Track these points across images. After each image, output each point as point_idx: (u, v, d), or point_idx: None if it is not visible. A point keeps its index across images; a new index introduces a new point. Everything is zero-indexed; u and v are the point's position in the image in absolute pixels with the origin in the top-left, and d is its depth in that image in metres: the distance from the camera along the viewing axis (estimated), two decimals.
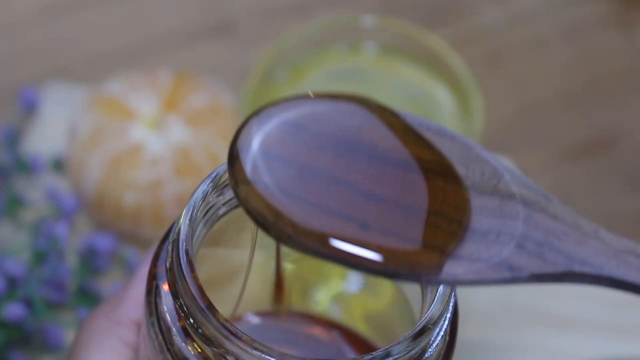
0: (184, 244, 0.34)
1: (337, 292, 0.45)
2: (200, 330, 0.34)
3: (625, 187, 0.72)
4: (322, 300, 0.45)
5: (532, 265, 0.33)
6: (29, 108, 0.68)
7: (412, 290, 0.39)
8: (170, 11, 0.77)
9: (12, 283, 0.59)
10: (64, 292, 0.60)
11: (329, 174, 0.33)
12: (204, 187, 0.36)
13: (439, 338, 0.35)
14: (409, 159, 0.34)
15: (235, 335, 0.33)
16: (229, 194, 0.37)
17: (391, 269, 0.32)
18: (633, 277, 0.33)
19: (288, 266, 0.40)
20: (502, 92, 0.75)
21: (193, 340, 0.34)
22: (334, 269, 0.44)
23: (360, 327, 0.44)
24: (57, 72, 0.73)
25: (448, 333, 0.36)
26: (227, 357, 0.33)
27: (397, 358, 0.34)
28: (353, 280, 0.44)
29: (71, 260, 0.63)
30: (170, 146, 0.62)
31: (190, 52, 0.75)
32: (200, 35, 0.76)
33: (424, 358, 0.35)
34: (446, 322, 0.36)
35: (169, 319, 0.35)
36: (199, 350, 0.34)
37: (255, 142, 0.33)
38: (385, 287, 0.43)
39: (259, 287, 0.42)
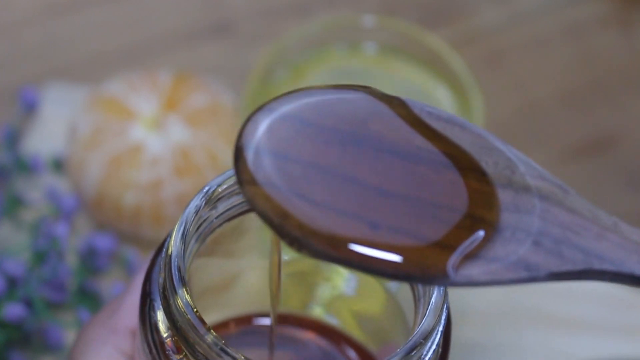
0: (176, 260, 0.34)
1: (332, 295, 0.45)
2: (192, 348, 0.34)
3: (626, 187, 0.72)
4: (317, 303, 0.44)
5: (550, 264, 0.31)
6: (29, 108, 0.68)
7: (404, 296, 0.39)
8: (170, 11, 0.77)
9: (12, 283, 0.59)
10: (64, 292, 0.60)
11: (335, 170, 0.32)
12: (196, 203, 0.36)
13: (431, 351, 0.35)
14: (417, 151, 0.33)
15: (227, 354, 0.33)
16: (222, 207, 0.37)
17: (402, 272, 0.31)
18: None
19: (284, 268, 0.40)
20: (502, 92, 0.75)
21: (186, 356, 0.35)
22: (329, 271, 0.43)
23: (354, 331, 0.43)
24: (57, 72, 0.73)
25: (441, 345, 0.36)
26: None
27: None
28: (347, 284, 0.44)
29: (71, 260, 0.62)
30: (170, 146, 0.62)
31: (190, 52, 0.75)
32: (200, 35, 0.76)
33: None
34: (438, 335, 0.35)
35: (162, 332, 0.35)
36: None
37: (259, 140, 0.32)
38: (377, 291, 0.42)
39: (256, 288, 0.42)
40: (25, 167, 0.65)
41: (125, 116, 0.63)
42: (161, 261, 0.35)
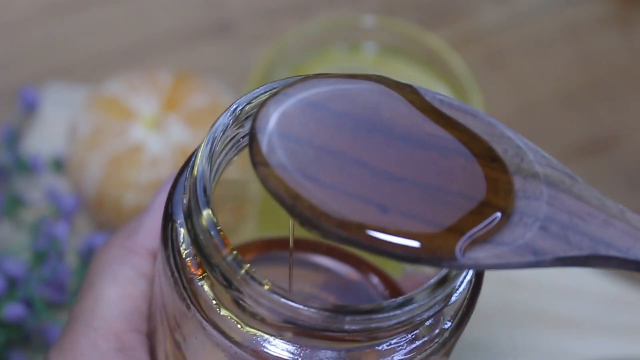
0: (202, 181, 0.34)
1: None
2: (215, 270, 0.33)
3: (626, 187, 0.72)
4: None
5: (557, 249, 0.32)
6: (29, 108, 0.68)
7: None
8: (170, 11, 0.77)
9: (12, 283, 0.59)
10: (64, 292, 0.60)
11: (347, 154, 0.33)
12: (223, 121, 0.35)
13: (464, 284, 0.35)
14: (429, 137, 0.33)
15: (252, 278, 0.32)
16: (249, 126, 0.36)
17: (411, 253, 0.31)
18: None
19: None
20: (502, 92, 0.75)
21: (210, 280, 0.34)
22: None
23: (374, 259, 0.43)
24: (57, 72, 0.73)
25: (473, 278, 0.36)
26: (245, 300, 0.33)
27: (422, 304, 0.33)
28: None
29: (71, 260, 0.62)
30: (170, 146, 0.62)
31: (190, 52, 0.75)
32: (200, 35, 0.76)
33: (449, 303, 0.34)
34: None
35: (184, 254, 0.35)
36: (215, 289, 0.34)
37: (272, 123, 0.33)
38: None
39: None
40: (25, 167, 0.65)
41: (125, 116, 0.63)
42: (185, 181, 0.35)
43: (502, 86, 0.75)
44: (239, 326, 0.34)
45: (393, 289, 0.43)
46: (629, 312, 0.64)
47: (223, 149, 0.36)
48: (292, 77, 0.36)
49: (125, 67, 0.71)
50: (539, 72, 0.76)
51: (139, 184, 0.61)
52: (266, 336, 0.33)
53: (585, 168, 0.72)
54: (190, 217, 0.34)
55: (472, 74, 0.65)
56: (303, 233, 0.33)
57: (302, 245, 0.43)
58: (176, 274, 0.35)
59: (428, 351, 0.34)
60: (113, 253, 0.39)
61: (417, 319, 0.33)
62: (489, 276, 0.39)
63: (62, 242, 0.60)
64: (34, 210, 0.64)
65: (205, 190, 0.33)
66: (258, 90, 0.36)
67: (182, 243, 0.35)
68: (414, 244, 0.31)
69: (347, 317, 0.32)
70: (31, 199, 0.65)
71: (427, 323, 0.34)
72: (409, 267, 0.42)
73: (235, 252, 0.33)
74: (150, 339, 0.39)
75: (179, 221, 0.35)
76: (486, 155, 0.34)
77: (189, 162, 0.36)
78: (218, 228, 0.33)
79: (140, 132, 0.62)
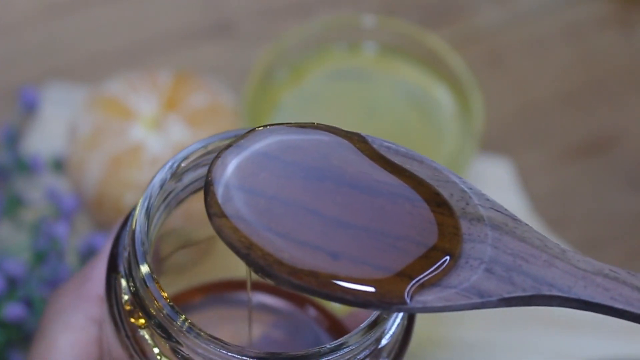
0: (140, 236, 0.35)
1: None
2: (157, 325, 0.35)
3: (626, 187, 0.72)
4: None
5: (502, 290, 0.33)
6: (29, 108, 0.68)
7: None
8: (170, 11, 0.77)
9: (12, 283, 0.59)
10: None
11: (299, 203, 0.34)
12: (160, 176, 0.37)
13: (394, 327, 0.36)
14: (376, 184, 0.35)
15: (191, 330, 0.34)
16: (187, 179, 0.38)
17: (361, 298, 0.32)
18: (600, 298, 0.33)
19: None
20: (502, 92, 0.75)
21: (150, 330, 0.35)
22: None
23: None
24: (57, 72, 0.73)
25: (405, 320, 0.37)
26: (183, 350, 0.34)
27: (353, 349, 0.34)
28: None
29: (71, 260, 0.63)
30: (171, 146, 0.62)
31: (190, 52, 0.75)
32: (200, 35, 0.76)
33: (379, 347, 0.35)
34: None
35: (126, 304, 0.36)
36: (156, 339, 0.35)
37: (226, 175, 0.34)
38: None
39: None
40: (25, 167, 0.65)
41: (125, 116, 0.63)
42: (126, 235, 0.37)
43: (502, 86, 0.75)
44: None
45: (338, 328, 0.44)
46: None
47: (162, 201, 0.37)
48: (231, 131, 0.37)
49: (125, 67, 0.71)
50: (539, 72, 0.76)
51: (139, 184, 0.61)
52: None
53: (585, 168, 0.72)
54: (130, 270, 0.35)
55: (472, 74, 0.65)
56: (255, 276, 0.34)
57: (254, 285, 0.44)
58: (119, 323, 0.36)
59: None
60: (65, 300, 0.41)
61: None
62: None
63: (62, 242, 0.60)
64: (34, 210, 0.64)
65: (143, 245, 0.35)
66: (193, 146, 0.38)
67: (125, 294, 0.36)
68: (364, 289, 0.33)
69: None
70: (31, 199, 0.65)
71: None
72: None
73: (171, 304, 0.34)
74: None
75: (121, 273, 0.37)
76: (433, 200, 0.35)
77: (131, 213, 0.38)
78: (155, 280, 0.35)
79: (140, 132, 0.62)
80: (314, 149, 0.35)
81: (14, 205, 0.64)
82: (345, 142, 0.36)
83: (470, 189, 0.35)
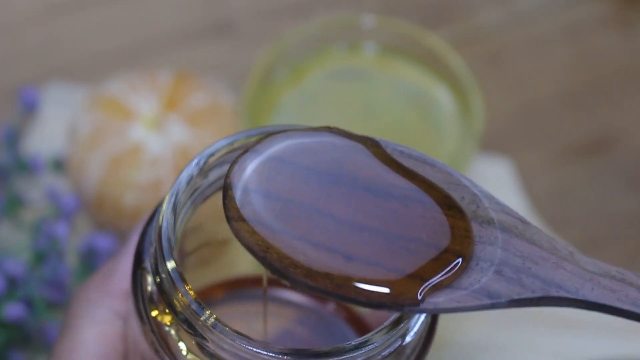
0: (167, 231, 0.36)
1: None
2: (183, 321, 0.35)
3: (626, 187, 0.72)
4: None
5: (511, 291, 0.34)
6: (29, 108, 0.68)
7: None
8: (170, 11, 0.77)
9: (12, 283, 0.59)
10: (64, 292, 0.60)
11: (314, 207, 0.35)
12: (188, 172, 0.37)
13: (418, 324, 0.36)
14: (390, 187, 0.36)
15: (217, 326, 0.34)
16: (213, 176, 0.38)
17: (374, 300, 0.33)
18: (606, 300, 0.34)
19: None
20: (502, 92, 0.75)
21: (176, 325, 0.36)
22: None
23: None
24: (57, 72, 0.73)
25: (429, 317, 0.37)
26: (209, 345, 0.35)
27: (377, 346, 0.35)
28: None
29: (71, 260, 0.63)
30: (170, 146, 0.62)
31: (190, 52, 0.75)
32: (200, 35, 0.76)
33: (403, 344, 0.36)
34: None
35: (152, 300, 0.37)
36: (182, 335, 0.36)
37: (243, 180, 0.35)
38: None
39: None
40: (25, 167, 0.65)
41: (125, 116, 0.63)
42: (152, 231, 0.37)
43: (502, 86, 0.75)
44: None
45: (359, 323, 0.45)
46: None
47: (189, 197, 0.38)
48: (256, 129, 0.38)
49: (125, 67, 0.72)
50: (539, 72, 0.76)
51: (139, 184, 0.61)
52: None
53: (585, 168, 0.72)
54: (156, 265, 0.36)
55: (472, 74, 0.65)
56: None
57: (276, 280, 0.45)
58: (145, 318, 0.37)
59: None
60: (90, 295, 0.41)
61: None
62: None
63: (62, 242, 0.60)
64: (34, 210, 0.64)
65: (169, 241, 0.36)
66: (219, 143, 0.38)
67: (150, 289, 0.37)
68: (377, 290, 0.33)
69: None
70: (31, 199, 0.65)
71: None
72: None
73: (197, 300, 0.35)
74: None
75: (147, 269, 0.37)
76: (445, 203, 0.36)
77: (158, 207, 0.38)
78: (181, 276, 0.35)
79: (140, 132, 0.62)
80: (329, 154, 0.36)
81: (14, 205, 0.64)
82: (359, 146, 0.36)
83: (481, 192, 0.36)
